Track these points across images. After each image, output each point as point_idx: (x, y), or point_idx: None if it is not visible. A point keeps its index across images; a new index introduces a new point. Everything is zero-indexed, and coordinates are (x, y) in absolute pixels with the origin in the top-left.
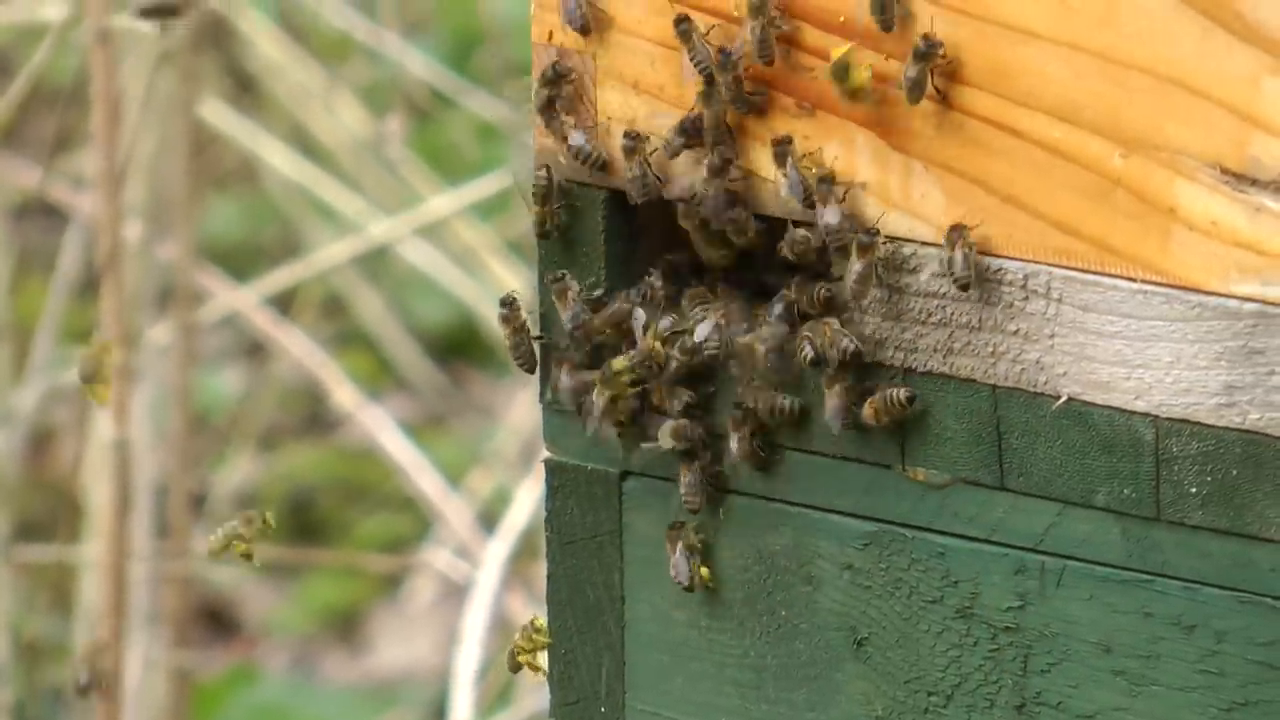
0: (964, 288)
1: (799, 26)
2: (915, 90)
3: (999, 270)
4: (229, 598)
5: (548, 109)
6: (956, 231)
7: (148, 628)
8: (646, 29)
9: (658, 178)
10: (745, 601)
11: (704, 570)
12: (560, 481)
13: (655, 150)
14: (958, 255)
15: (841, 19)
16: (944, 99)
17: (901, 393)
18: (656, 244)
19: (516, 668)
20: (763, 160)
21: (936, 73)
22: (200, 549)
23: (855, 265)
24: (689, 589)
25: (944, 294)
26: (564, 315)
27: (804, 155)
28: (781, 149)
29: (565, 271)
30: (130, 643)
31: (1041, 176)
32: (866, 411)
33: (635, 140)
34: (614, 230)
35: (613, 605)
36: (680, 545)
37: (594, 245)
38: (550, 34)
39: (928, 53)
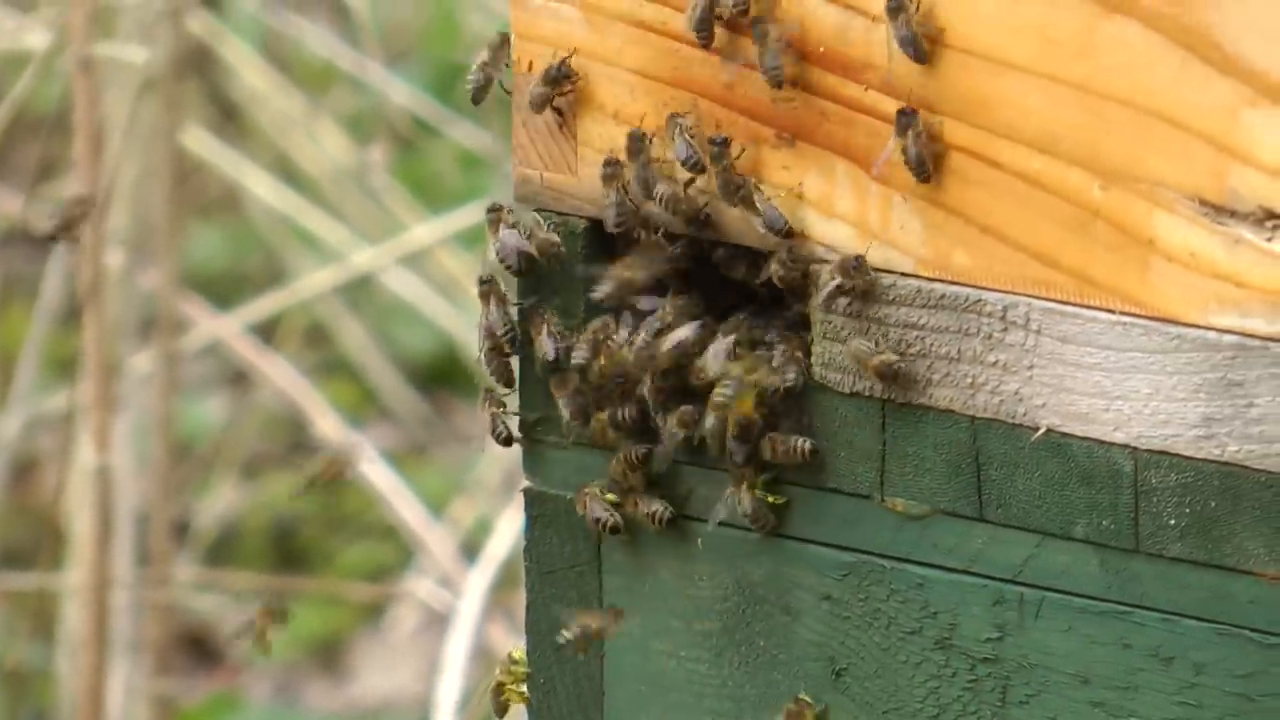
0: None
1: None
2: (920, 169)
3: (978, 301)
4: (211, 625)
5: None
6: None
7: (129, 655)
8: (625, 59)
9: (634, 205)
10: (724, 631)
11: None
12: (539, 511)
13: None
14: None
15: (821, 49)
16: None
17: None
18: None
19: (503, 709)
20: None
21: (923, 139)
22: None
23: (827, 285)
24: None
25: (923, 325)
26: (541, 345)
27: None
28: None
29: (539, 301)
30: (112, 670)
31: (1021, 207)
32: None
33: (614, 168)
34: (595, 259)
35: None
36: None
37: (573, 274)
38: (530, 64)
39: (909, 124)
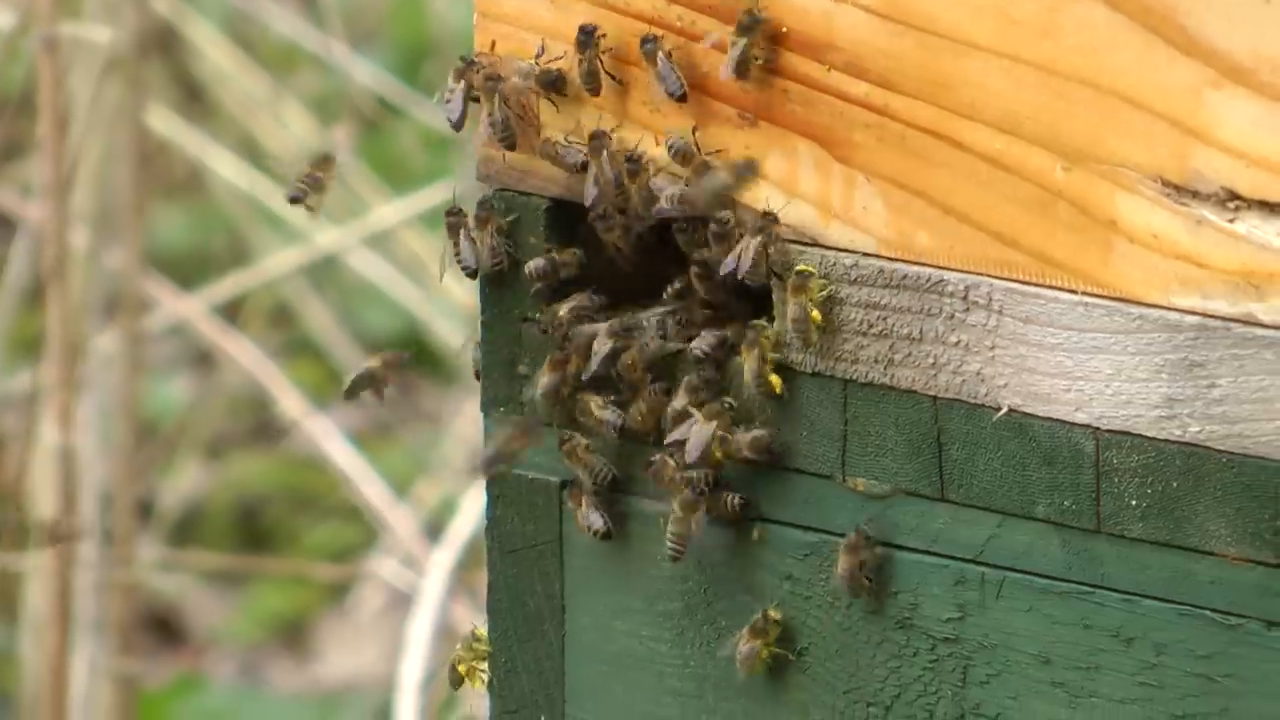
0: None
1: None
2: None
3: (940, 281)
4: (176, 606)
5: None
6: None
7: (93, 636)
8: None
9: (617, 186)
10: (685, 612)
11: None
12: (501, 490)
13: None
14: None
15: (784, 29)
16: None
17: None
18: (597, 255)
19: (458, 681)
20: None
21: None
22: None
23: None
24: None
25: (885, 305)
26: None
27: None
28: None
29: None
30: (76, 651)
31: (983, 188)
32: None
33: (600, 140)
34: (555, 238)
35: (553, 614)
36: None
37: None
38: (493, 43)
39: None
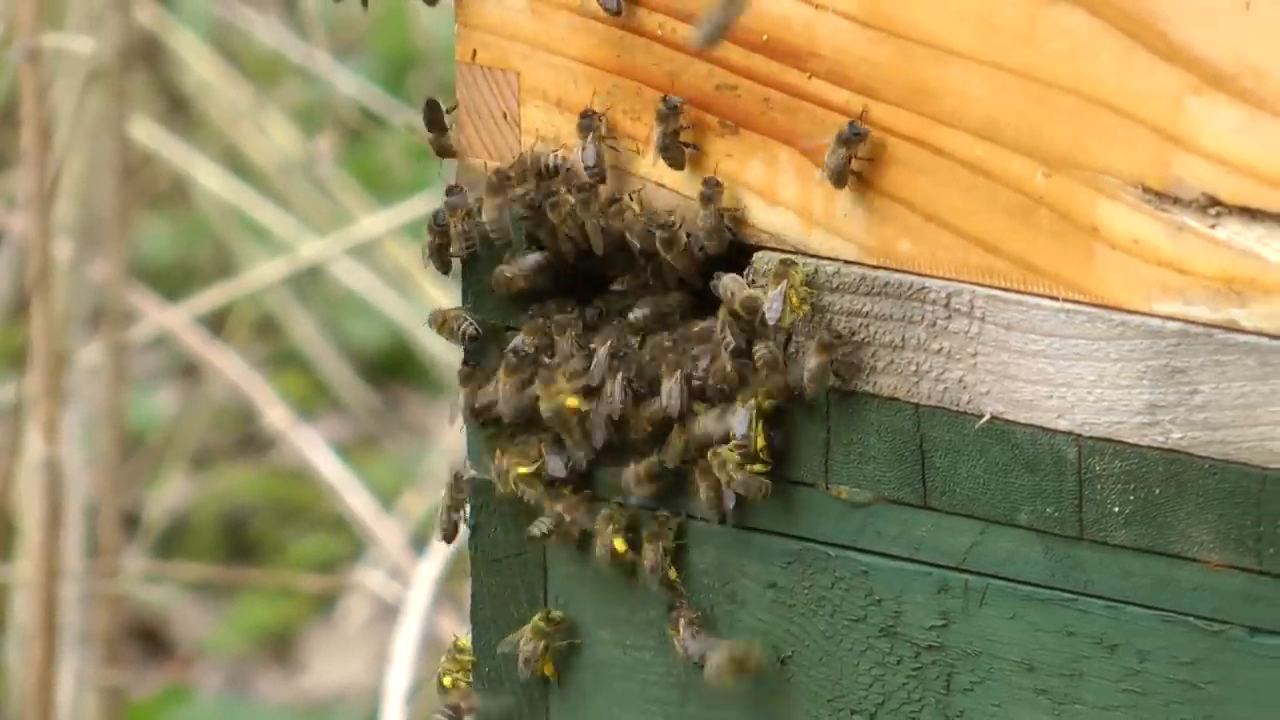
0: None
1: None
2: (838, 180)
3: (922, 289)
4: (162, 617)
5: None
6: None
7: (79, 647)
8: (570, 47)
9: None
10: (668, 620)
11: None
12: (483, 500)
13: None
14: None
15: (765, 37)
16: (863, 182)
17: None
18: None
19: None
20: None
21: (856, 159)
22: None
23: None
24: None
25: (866, 312)
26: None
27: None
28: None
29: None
30: (62, 662)
31: (964, 195)
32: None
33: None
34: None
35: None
36: (683, 624)
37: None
38: (474, 53)
39: (851, 141)
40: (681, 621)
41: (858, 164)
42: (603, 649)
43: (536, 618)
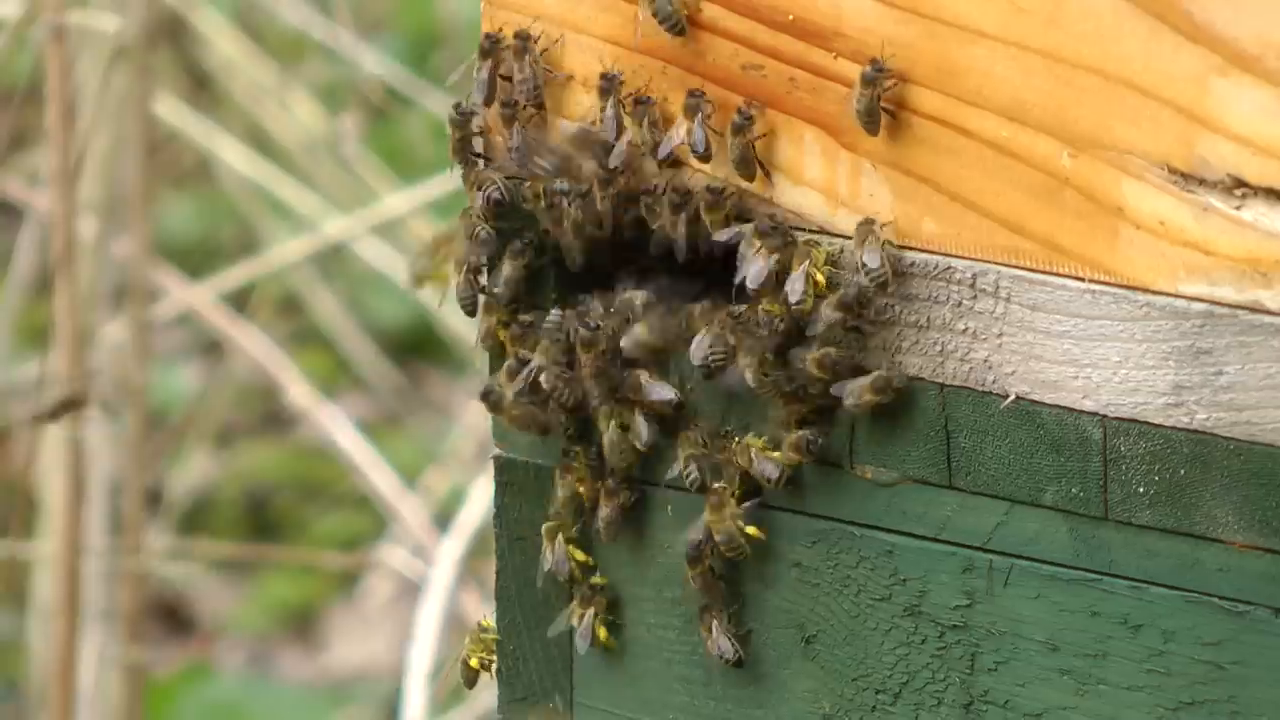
0: (882, 286)
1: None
2: (870, 122)
3: (947, 269)
4: (184, 595)
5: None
6: (866, 227)
7: (102, 624)
8: (596, 26)
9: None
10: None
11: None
12: (508, 478)
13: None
14: (869, 252)
15: (791, 17)
16: (894, 116)
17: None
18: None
19: (472, 680)
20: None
21: (884, 98)
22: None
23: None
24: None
25: (892, 292)
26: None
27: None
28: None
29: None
30: (84, 639)
31: (990, 175)
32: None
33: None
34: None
35: (561, 601)
36: (715, 625)
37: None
38: (500, 29)
39: (875, 79)
40: (714, 623)
41: (887, 102)
42: (627, 627)
43: (578, 591)
